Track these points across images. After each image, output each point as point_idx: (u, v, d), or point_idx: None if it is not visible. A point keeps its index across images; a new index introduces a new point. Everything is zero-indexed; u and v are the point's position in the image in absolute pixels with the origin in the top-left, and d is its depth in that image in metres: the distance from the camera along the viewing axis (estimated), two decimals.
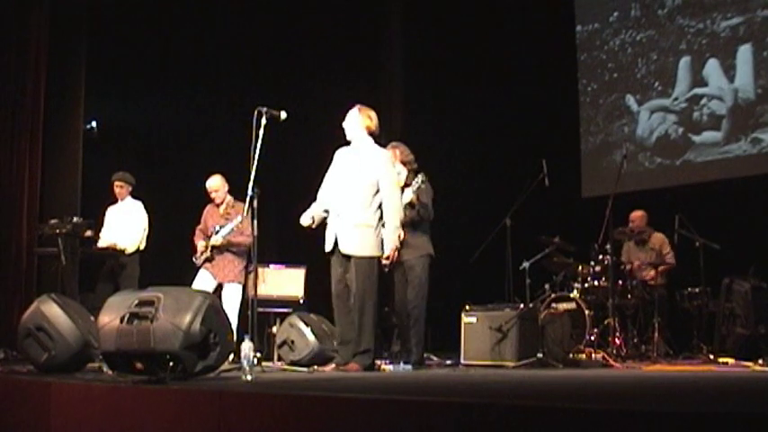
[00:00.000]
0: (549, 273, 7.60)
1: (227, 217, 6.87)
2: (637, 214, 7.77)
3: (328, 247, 5.48)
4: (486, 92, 9.49)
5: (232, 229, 6.71)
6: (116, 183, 7.47)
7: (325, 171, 5.66)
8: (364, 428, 2.73)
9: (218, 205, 7.00)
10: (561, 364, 5.93)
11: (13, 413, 4.11)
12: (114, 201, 7.55)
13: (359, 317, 5.32)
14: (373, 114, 5.58)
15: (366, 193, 5.42)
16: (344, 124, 5.60)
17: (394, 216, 5.44)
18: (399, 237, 5.51)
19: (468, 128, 9.50)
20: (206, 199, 7.07)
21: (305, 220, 5.60)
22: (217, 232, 6.77)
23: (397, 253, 5.52)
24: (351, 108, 5.60)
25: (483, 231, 7.19)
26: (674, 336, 7.13)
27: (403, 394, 2.98)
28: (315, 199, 5.66)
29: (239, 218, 6.49)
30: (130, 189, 7.51)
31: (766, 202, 7.59)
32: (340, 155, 5.65)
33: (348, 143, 5.63)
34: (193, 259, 6.89)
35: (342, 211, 5.43)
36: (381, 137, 5.68)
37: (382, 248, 5.42)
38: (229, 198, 7.01)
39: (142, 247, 7.36)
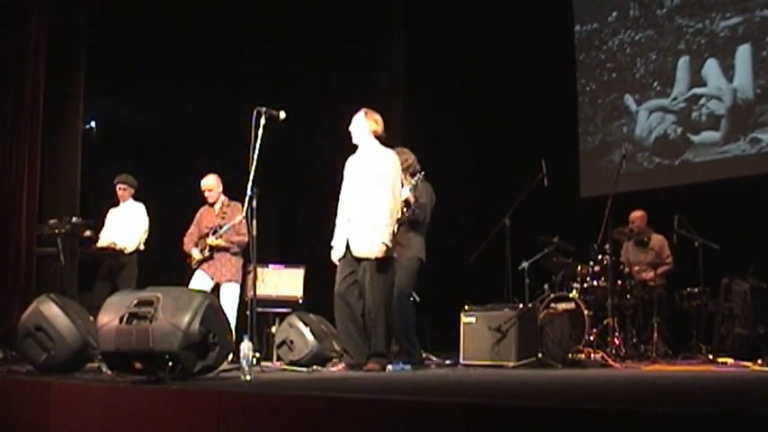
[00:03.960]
0: (549, 273, 7.59)
1: (222, 216, 6.83)
2: (637, 215, 7.75)
3: (340, 253, 5.45)
4: (485, 92, 9.48)
5: (230, 228, 6.70)
6: (119, 185, 7.47)
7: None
8: (364, 428, 2.73)
9: (212, 205, 6.97)
10: (560, 364, 5.92)
11: (12, 413, 4.11)
12: (116, 203, 7.54)
13: (374, 320, 5.29)
14: (379, 118, 5.58)
15: (375, 193, 5.39)
16: (351, 128, 5.58)
17: (387, 215, 5.36)
18: (392, 233, 5.39)
19: (468, 128, 9.50)
20: (202, 200, 7.05)
21: (336, 255, 5.50)
22: (215, 232, 6.74)
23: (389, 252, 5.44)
24: (357, 112, 5.58)
25: (482, 231, 7.19)
26: (673, 336, 7.13)
27: (403, 394, 2.98)
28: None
29: (239, 217, 6.47)
30: (132, 192, 7.51)
31: (766, 202, 7.59)
32: (348, 164, 5.64)
33: (354, 148, 5.61)
34: (189, 262, 6.87)
35: (353, 214, 5.41)
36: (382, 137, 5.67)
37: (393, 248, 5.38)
38: (224, 198, 6.95)
39: (142, 248, 7.36)
